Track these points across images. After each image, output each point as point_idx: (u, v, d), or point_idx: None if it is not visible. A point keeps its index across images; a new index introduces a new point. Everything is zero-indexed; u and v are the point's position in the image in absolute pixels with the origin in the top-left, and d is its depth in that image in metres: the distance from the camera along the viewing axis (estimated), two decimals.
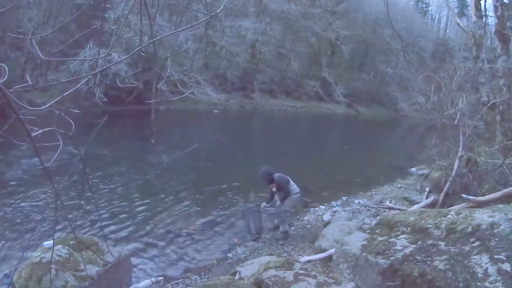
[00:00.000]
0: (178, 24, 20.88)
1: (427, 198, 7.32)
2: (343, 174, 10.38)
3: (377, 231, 3.62)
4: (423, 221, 3.33)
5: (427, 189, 7.81)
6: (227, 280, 2.94)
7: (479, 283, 2.48)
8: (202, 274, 4.74)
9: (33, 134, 1.21)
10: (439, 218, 3.26)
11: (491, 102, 6.98)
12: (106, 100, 15.41)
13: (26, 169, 7.70)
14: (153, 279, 4.35)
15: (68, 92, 1.63)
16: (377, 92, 34.06)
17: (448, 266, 2.70)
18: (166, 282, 4.45)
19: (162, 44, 17.78)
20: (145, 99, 15.39)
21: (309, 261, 4.66)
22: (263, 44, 26.99)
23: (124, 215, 6.14)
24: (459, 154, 6.59)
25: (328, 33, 30.77)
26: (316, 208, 7.30)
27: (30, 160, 7.97)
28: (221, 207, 6.94)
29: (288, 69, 29.42)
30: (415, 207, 6.57)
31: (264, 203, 6.18)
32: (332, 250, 4.32)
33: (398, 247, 3.14)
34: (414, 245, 3.10)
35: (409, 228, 3.38)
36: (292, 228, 6.31)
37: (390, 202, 7.47)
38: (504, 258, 2.57)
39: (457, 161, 6.61)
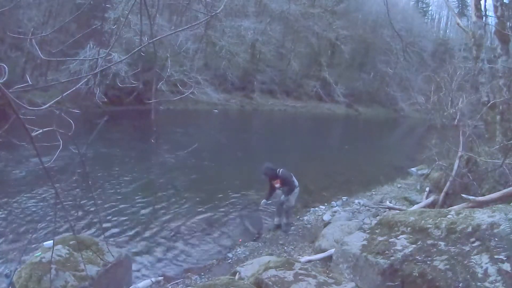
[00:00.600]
0: (178, 24, 20.89)
1: (427, 198, 7.31)
2: (343, 174, 10.38)
3: (377, 231, 3.62)
4: (423, 221, 3.33)
5: (427, 189, 7.80)
6: (227, 280, 2.94)
7: (479, 283, 2.48)
8: (202, 274, 4.74)
9: (33, 134, 1.21)
10: (439, 218, 3.26)
11: (491, 102, 6.98)
12: (106, 100, 15.41)
13: (26, 169, 7.70)
14: (153, 279, 4.35)
15: (68, 92, 1.63)
16: (377, 92, 34.05)
17: (448, 266, 2.70)
18: (166, 282, 4.45)
19: (162, 44, 17.78)
20: (145, 99, 15.41)
21: (309, 261, 4.66)
22: (263, 44, 26.99)
23: (124, 215, 6.14)
24: (459, 154, 6.59)
25: (328, 33, 30.75)
26: (316, 208, 7.30)
27: (30, 160, 7.97)
28: (221, 207, 6.94)
29: (288, 69, 29.42)
30: (415, 207, 6.56)
31: (264, 201, 6.21)
32: (332, 250, 4.32)
33: (398, 247, 3.14)
34: (414, 245, 3.10)
35: (409, 228, 3.38)
36: (292, 228, 6.32)
37: (390, 202, 7.47)
38: (504, 258, 2.57)
39: (457, 161, 6.61)
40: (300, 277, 2.90)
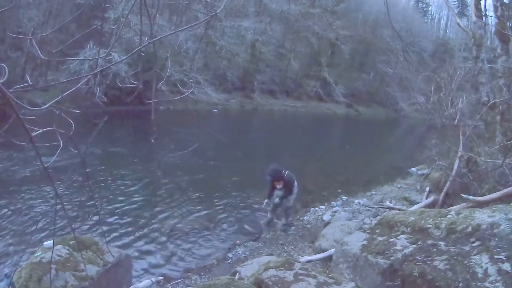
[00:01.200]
0: (178, 24, 20.86)
1: (427, 198, 7.31)
2: (343, 174, 10.38)
3: (377, 231, 3.62)
4: (423, 221, 3.33)
5: (427, 189, 7.80)
6: (227, 280, 2.94)
7: (479, 283, 2.48)
8: (202, 274, 4.74)
9: (33, 134, 1.21)
10: (439, 218, 3.26)
11: (491, 102, 6.97)
12: (106, 100, 15.40)
13: (26, 169, 7.70)
14: (153, 279, 4.35)
15: (68, 92, 1.63)
16: (377, 92, 34.05)
17: (448, 266, 2.70)
18: (166, 282, 4.45)
19: (162, 44, 17.78)
20: (145, 99, 15.39)
21: (309, 261, 4.66)
22: (263, 44, 26.99)
23: (124, 215, 6.13)
24: (459, 154, 6.59)
25: (328, 33, 30.75)
26: (316, 208, 7.30)
27: (30, 160, 7.96)
28: (221, 207, 6.94)
29: (288, 69, 29.41)
30: (415, 207, 6.56)
31: (266, 200, 6.24)
32: (332, 250, 4.32)
33: (398, 247, 3.14)
34: (414, 245, 3.09)
35: (409, 228, 3.38)
36: (292, 228, 6.32)
37: (390, 202, 7.47)
38: (504, 258, 2.57)
39: (457, 161, 6.61)
40: (300, 277, 2.90)
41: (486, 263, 2.60)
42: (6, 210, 5.81)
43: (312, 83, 30.54)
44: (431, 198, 7.04)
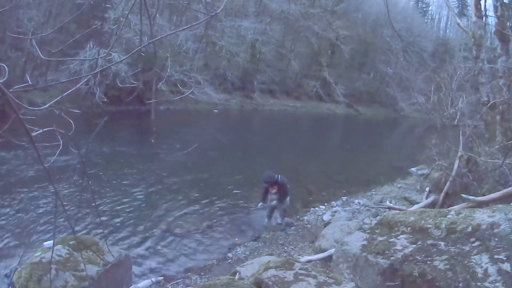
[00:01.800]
0: (178, 24, 20.86)
1: (427, 198, 7.31)
2: (343, 174, 10.38)
3: (377, 231, 3.62)
4: (423, 221, 3.33)
5: (427, 189, 7.80)
6: (227, 280, 2.94)
7: (479, 283, 2.48)
8: (202, 274, 4.74)
9: (33, 134, 1.21)
10: (439, 218, 3.26)
11: (491, 102, 6.96)
12: (106, 100, 15.39)
13: (26, 169, 7.70)
14: (153, 279, 4.35)
15: (68, 92, 1.63)
16: (377, 92, 34.03)
17: (448, 266, 2.70)
18: (166, 282, 4.45)
19: (162, 44, 17.77)
20: (145, 99, 15.40)
21: (309, 261, 4.65)
22: (263, 44, 26.97)
23: (124, 215, 6.14)
24: (459, 154, 6.58)
25: (328, 33, 30.73)
26: (316, 208, 7.30)
27: (30, 160, 7.96)
28: (221, 207, 6.94)
29: (288, 69, 29.40)
30: (415, 207, 6.56)
31: (261, 203, 6.35)
32: (332, 250, 4.32)
33: (398, 247, 3.14)
34: (414, 245, 3.09)
35: (409, 228, 3.38)
36: (292, 228, 6.32)
37: (390, 202, 7.46)
38: (504, 258, 2.57)
39: (457, 161, 6.61)
40: (300, 277, 2.90)
41: (486, 263, 2.60)
42: (6, 210, 5.81)
43: (312, 83, 30.52)
44: (431, 198, 7.04)
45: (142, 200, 6.92)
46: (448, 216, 3.25)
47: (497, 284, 2.43)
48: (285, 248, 5.56)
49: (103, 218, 5.87)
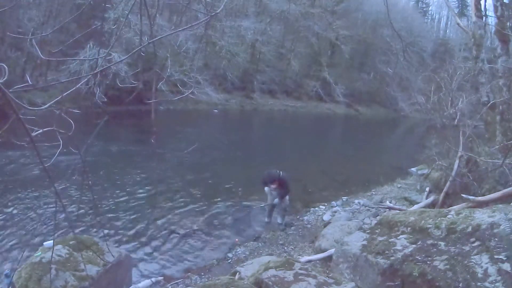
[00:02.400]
0: (178, 24, 20.86)
1: (427, 198, 7.31)
2: (343, 174, 10.38)
3: (377, 231, 3.62)
4: (423, 221, 3.33)
5: (427, 189, 7.80)
6: (227, 280, 2.94)
7: (479, 283, 2.48)
8: (202, 274, 4.73)
9: (33, 134, 1.21)
10: (439, 218, 3.26)
11: (491, 102, 6.97)
12: (106, 100, 15.39)
13: (26, 169, 7.70)
14: (153, 279, 4.35)
15: (68, 92, 1.63)
16: (377, 92, 34.03)
17: (448, 266, 2.70)
18: (166, 282, 4.45)
19: (162, 44, 17.76)
20: (145, 99, 15.35)
21: (309, 261, 4.66)
22: (263, 44, 26.97)
23: (124, 215, 6.14)
24: (459, 154, 6.58)
25: (328, 33, 30.73)
26: (316, 208, 7.30)
27: (30, 160, 7.96)
28: (221, 206, 6.94)
29: (288, 69, 29.40)
30: (415, 207, 6.56)
31: (262, 204, 6.31)
32: (332, 250, 4.32)
33: (398, 247, 3.14)
34: (414, 245, 3.10)
35: (409, 228, 3.38)
36: (292, 228, 6.32)
37: (390, 202, 7.46)
38: (504, 258, 2.57)
39: (457, 161, 6.61)
40: (300, 277, 2.90)
41: (486, 263, 2.60)
42: (6, 210, 5.81)
43: (312, 83, 30.51)
44: (431, 198, 7.04)
45: (142, 199, 6.92)
46: (448, 216, 3.25)
47: (497, 284, 2.43)
48: (285, 248, 5.56)
49: (103, 218, 5.87)
